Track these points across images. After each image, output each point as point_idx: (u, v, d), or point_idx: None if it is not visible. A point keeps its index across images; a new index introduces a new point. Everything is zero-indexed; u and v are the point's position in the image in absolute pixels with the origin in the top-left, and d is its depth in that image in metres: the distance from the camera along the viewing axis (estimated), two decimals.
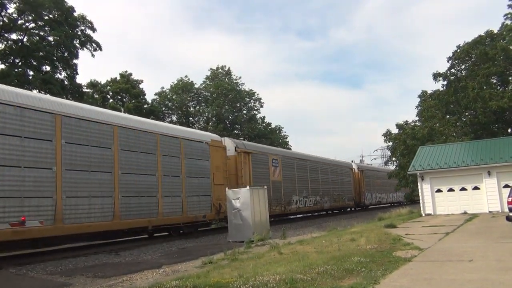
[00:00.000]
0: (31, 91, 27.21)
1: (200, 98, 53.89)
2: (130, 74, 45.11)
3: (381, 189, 44.93)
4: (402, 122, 35.33)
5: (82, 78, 58.20)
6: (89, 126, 14.49)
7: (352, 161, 49.95)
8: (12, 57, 30.13)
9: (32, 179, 12.36)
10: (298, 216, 31.09)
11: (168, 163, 17.74)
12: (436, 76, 31.00)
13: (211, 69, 54.80)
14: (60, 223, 12.87)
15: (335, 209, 36.63)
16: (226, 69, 54.79)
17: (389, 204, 45.99)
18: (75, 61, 32.70)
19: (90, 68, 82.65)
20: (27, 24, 30.88)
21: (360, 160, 78.01)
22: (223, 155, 21.71)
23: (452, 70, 31.21)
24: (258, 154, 25.28)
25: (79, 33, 32.90)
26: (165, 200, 17.24)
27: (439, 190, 22.81)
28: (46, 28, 31.29)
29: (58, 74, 32.12)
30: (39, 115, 12.83)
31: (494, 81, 31.06)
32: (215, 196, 20.17)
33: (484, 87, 28.87)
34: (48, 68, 31.51)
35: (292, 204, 28.10)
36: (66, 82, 32.32)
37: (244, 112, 54.86)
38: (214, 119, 51.68)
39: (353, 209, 40.04)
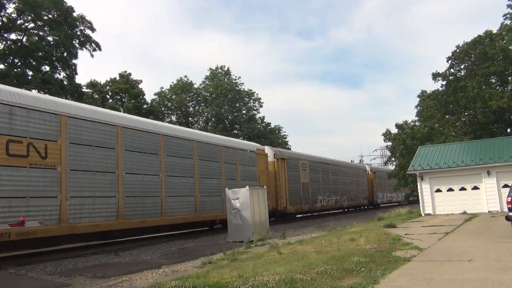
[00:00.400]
0: (30, 91, 27.23)
1: (199, 98, 53.91)
2: (130, 74, 45.15)
3: (391, 189, 46.30)
4: (402, 122, 35.36)
5: (82, 78, 58.20)
6: (148, 137, 17.18)
7: (365, 164, 51.65)
8: (11, 57, 30.14)
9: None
10: (322, 212, 34.95)
11: (229, 169, 22.35)
12: (435, 76, 31.04)
13: (210, 69, 54.87)
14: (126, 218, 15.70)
15: (352, 207, 39.52)
16: (225, 69, 54.86)
17: (398, 203, 47.12)
18: (74, 61, 32.75)
19: (90, 68, 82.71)
20: (26, 24, 30.89)
21: (360, 160, 78.10)
22: (265, 161, 26.09)
23: (452, 70, 31.27)
24: (291, 159, 29.18)
25: (79, 33, 32.91)
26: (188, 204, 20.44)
27: (438, 190, 22.82)
28: (46, 28, 31.30)
29: (57, 74, 32.14)
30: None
31: (494, 81, 31.10)
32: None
33: (484, 87, 28.90)
34: (47, 68, 31.52)
35: (318, 202, 32.07)
36: (65, 82, 32.33)
37: (244, 112, 54.90)
38: (213, 119, 51.70)
39: (367, 207, 43.32)
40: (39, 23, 31.02)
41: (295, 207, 28.51)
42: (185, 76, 53.33)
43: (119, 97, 43.99)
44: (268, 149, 27.43)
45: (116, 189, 15.09)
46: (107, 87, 43.60)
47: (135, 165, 16.14)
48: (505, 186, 20.16)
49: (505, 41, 30.96)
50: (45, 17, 30.96)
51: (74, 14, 32.26)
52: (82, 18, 32.72)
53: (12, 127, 12.05)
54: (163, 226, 17.71)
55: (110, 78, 44.10)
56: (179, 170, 18.47)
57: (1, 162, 11.64)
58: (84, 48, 33.09)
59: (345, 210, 38.65)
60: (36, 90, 28.95)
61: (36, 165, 12.57)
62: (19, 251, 13.66)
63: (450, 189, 22.61)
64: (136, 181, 16.09)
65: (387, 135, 35.61)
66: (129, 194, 15.62)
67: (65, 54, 32.06)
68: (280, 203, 26.85)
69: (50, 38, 31.40)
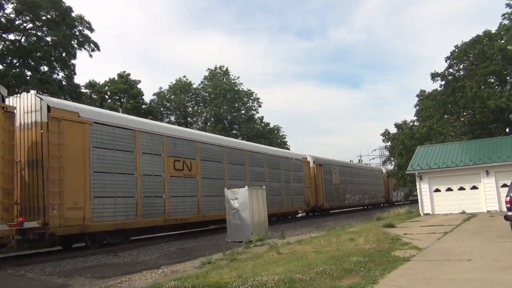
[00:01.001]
0: (28, 91, 27.20)
1: (198, 99, 53.86)
2: (129, 75, 45.05)
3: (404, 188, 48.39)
4: (401, 122, 35.39)
5: (81, 79, 58.16)
6: (216, 149, 22.15)
7: (382, 167, 54.10)
8: (9, 58, 30.08)
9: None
10: (349, 209, 40.39)
11: (286, 174, 28.82)
12: (434, 76, 31.07)
13: (209, 69, 54.82)
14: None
15: (371, 205, 44.78)
16: (224, 69, 54.81)
17: (409, 201, 48.00)
18: (73, 61, 32.65)
19: (89, 69, 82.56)
20: (24, 24, 30.82)
21: (359, 160, 78.17)
22: (308, 167, 32.41)
23: (450, 70, 31.28)
24: (326, 165, 35.23)
25: (77, 33, 32.84)
26: (286, 197, 28.37)
27: (437, 190, 22.85)
28: (44, 29, 31.22)
29: (56, 74, 32.07)
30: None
31: (492, 80, 31.13)
32: (305, 195, 31.17)
33: (482, 87, 28.93)
34: (46, 68, 31.45)
35: (346, 200, 37.91)
36: (64, 83, 32.27)
37: (243, 112, 54.85)
38: (212, 119, 51.67)
39: (383, 204, 48.15)
40: (37, 23, 30.94)
41: (329, 204, 34.80)
42: (184, 76, 53.30)
43: (117, 97, 43.91)
44: (309, 157, 33.19)
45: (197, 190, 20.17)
46: (106, 87, 43.50)
47: (210, 172, 21.16)
48: (504, 185, 20.18)
49: (503, 41, 31.01)
50: (44, 17, 30.89)
51: (73, 14, 32.20)
52: (80, 18, 32.64)
53: (175, 151, 18.74)
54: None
55: (109, 78, 44.03)
56: (275, 177, 27.60)
57: (171, 174, 18.26)
58: (82, 49, 33.02)
59: (366, 207, 44.13)
60: (35, 90, 28.91)
61: (187, 175, 19.31)
62: (19, 251, 13.65)
63: (449, 189, 22.64)
64: (211, 185, 21.08)
65: (386, 135, 35.65)
66: (206, 194, 20.58)
67: (63, 54, 31.99)
68: (318, 201, 32.96)
69: (48, 38, 31.33)
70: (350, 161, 57.51)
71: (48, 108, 13.43)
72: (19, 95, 14.32)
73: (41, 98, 13.64)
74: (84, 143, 14.37)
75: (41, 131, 13.19)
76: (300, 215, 33.10)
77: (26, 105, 13.57)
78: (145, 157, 17.03)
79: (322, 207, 33.45)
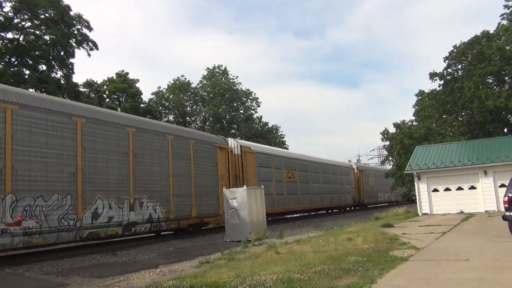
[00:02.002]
0: (27, 90, 27.15)
1: (197, 98, 53.84)
2: (127, 74, 45.03)
3: None
4: (400, 122, 35.45)
5: (79, 78, 58.07)
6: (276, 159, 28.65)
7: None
8: (8, 56, 30.02)
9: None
10: (379, 205, 47.93)
11: (333, 178, 36.63)
12: (432, 75, 31.11)
13: (207, 68, 54.82)
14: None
15: (394, 202, 50.42)
16: (223, 68, 54.82)
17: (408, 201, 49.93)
18: (71, 60, 32.64)
19: (87, 68, 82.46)
20: (23, 23, 30.77)
21: (357, 160, 78.26)
22: (353, 173, 41.59)
23: (449, 70, 31.32)
24: (365, 170, 45.51)
25: (76, 32, 32.80)
26: (333, 195, 36.40)
27: (435, 190, 22.88)
28: (42, 27, 31.18)
29: (54, 73, 32.03)
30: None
31: (490, 80, 31.18)
32: (352, 194, 40.31)
33: (481, 87, 28.97)
34: (44, 67, 31.41)
35: (378, 198, 47.57)
36: (62, 82, 32.23)
37: (241, 111, 54.86)
38: (211, 118, 51.66)
39: (404, 202, 51.29)
40: (36, 22, 30.91)
41: (368, 200, 44.90)
42: (182, 76, 53.30)
43: (116, 97, 43.87)
44: (353, 165, 44.55)
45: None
46: (104, 87, 43.44)
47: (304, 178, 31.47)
48: (502, 185, 20.22)
49: (502, 41, 31.06)
50: (42, 16, 30.86)
51: (71, 13, 32.17)
52: (79, 17, 32.62)
53: (289, 166, 29.52)
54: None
55: (108, 78, 44.00)
56: (323, 181, 34.97)
57: (286, 180, 28.56)
58: (81, 47, 33.00)
59: (391, 203, 50.08)
60: (33, 89, 28.86)
61: (292, 181, 29.35)
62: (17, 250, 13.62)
63: (447, 189, 22.67)
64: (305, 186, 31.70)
65: (385, 134, 35.70)
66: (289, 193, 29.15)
67: (62, 53, 31.96)
68: (361, 198, 42.58)
69: (47, 37, 31.30)
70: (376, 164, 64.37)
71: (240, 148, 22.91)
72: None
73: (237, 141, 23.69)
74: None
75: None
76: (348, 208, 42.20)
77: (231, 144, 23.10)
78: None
79: (362, 202, 43.29)
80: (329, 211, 38.27)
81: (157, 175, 16.80)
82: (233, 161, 22.80)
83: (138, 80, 45.52)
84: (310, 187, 32.21)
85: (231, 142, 23.70)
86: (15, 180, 11.63)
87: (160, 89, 52.18)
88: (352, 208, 43.05)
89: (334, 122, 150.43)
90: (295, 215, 32.48)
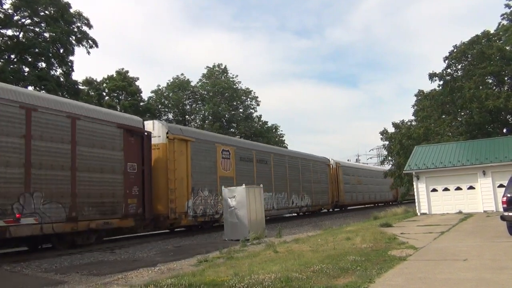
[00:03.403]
0: (26, 87, 27.10)
1: (196, 96, 53.79)
2: (127, 72, 44.94)
3: None
4: (399, 122, 35.46)
5: (78, 76, 57.98)
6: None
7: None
8: (7, 53, 29.96)
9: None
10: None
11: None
12: (432, 76, 31.09)
13: (207, 67, 54.74)
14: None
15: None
16: (223, 67, 54.74)
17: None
18: (71, 57, 32.56)
19: (87, 66, 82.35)
20: (23, 20, 30.70)
21: (356, 160, 78.25)
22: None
23: (448, 70, 31.31)
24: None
25: (75, 29, 32.72)
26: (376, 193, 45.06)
27: (434, 190, 22.89)
28: (42, 25, 31.12)
29: (53, 71, 31.97)
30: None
31: (490, 81, 31.18)
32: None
33: (480, 87, 28.97)
34: (43, 64, 31.35)
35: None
36: (61, 79, 32.17)
37: (241, 110, 54.82)
38: (210, 117, 51.62)
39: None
40: (35, 19, 30.84)
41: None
42: (182, 74, 53.22)
43: (115, 95, 43.79)
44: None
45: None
46: (104, 85, 43.36)
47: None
48: (501, 186, 20.24)
49: (502, 41, 31.05)
50: (42, 13, 30.79)
51: (71, 11, 32.09)
52: (79, 15, 32.52)
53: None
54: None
55: (107, 75, 43.91)
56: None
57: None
58: (80, 45, 32.92)
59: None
60: (32, 87, 28.81)
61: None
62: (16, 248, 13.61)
63: (446, 189, 22.69)
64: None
65: (384, 133, 35.71)
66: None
67: (61, 50, 31.89)
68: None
69: (46, 35, 31.22)
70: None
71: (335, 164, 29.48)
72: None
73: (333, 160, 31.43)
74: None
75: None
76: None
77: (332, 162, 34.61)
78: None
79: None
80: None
81: (308, 182, 31.77)
82: (333, 173, 36.81)
83: (137, 78, 45.46)
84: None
85: (332, 161, 37.54)
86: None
87: (160, 88, 52.13)
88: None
89: (333, 121, 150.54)
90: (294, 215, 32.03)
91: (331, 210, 37.42)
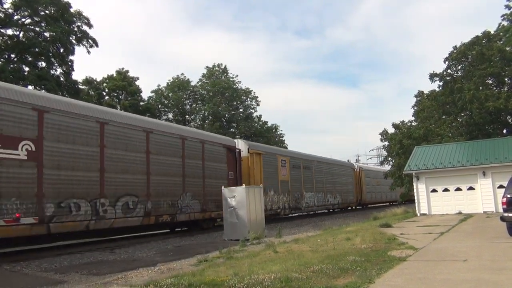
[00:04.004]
0: (26, 87, 27.10)
1: (196, 96, 53.79)
2: (127, 71, 44.94)
3: None
4: (399, 122, 35.45)
5: (78, 75, 57.93)
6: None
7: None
8: (7, 53, 29.96)
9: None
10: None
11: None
12: (432, 76, 31.08)
13: (207, 67, 54.73)
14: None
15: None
16: (223, 67, 54.74)
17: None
18: (71, 57, 32.57)
19: (87, 66, 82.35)
20: (23, 19, 30.70)
21: (356, 160, 78.27)
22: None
23: (449, 71, 31.29)
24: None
25: (75, 29, 32.72)
26: (392, 193, 46.13)
27: (434, 190, 22.89)
28: (42, 24, 31.12)
29: (53, 70, 31.97)
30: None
31: (490, 82, 31.17)
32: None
33: (480, 88, 28.96)
34: (43, 64, 31.35)
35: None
36: (61, 79, 32.17)
37: (241, 110, 54.82)
38: (210, 117, 51.61)
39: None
40: (35, 18, 30.85)
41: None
42: (182, 74, 53.23)
43: (115, 94, 43.79)
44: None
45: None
46: (104, 84, 43.36)
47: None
48: (501, 186, 20.24)
49: (502, 42, 31.04)
50: (42, 13, 30.79)
51: (71, 10, 32.10)
52: (79, 14, 32.53)
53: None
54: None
55: (107, 75, 43.91)
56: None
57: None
58: (81, 44, 32.92)
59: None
60: (32, 86, 28.82)
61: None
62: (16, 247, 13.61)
63: (446, 189, 22.69)
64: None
65: (384, 134, 35.70)
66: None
67: (61, 50, 31.89)
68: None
69: (46, 34, 31.23)
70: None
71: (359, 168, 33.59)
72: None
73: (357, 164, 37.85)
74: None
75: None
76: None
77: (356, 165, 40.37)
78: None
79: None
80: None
81: (339, 184, 37.03)
82: (356, 176, 41.49)
83: (137, 78, 45.46)
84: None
85: (356, 165, 43.82)
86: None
87: (160, 87, 52.14)
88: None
89: (333, 121, 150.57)
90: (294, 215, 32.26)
91: (354, 207, 42.78)
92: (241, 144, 24.52)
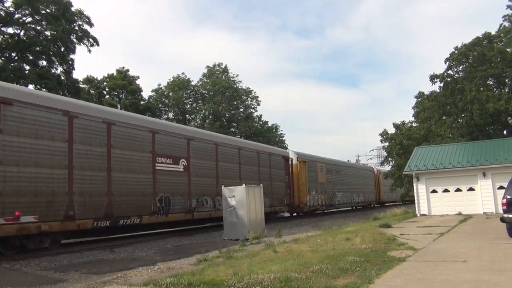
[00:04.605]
0: (27, 85, 27.09)
1: (197, 96, 53.79)
2: (127, 70, 44.91)
3: None
4: (399, 123, 35.44)
5: (79, 74, 57.95)
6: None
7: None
8: (8, 51, 29.95)
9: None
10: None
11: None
12: (433, 77, 31.07)
13: (207, 66, 54.73)
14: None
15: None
16: (223, 66, 54.74)
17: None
18: (72, 56, 32.55)
19: (87, 64, 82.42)
20: (24, 18, 30.69)
21: (356, 160, 78.26)
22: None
23: (449, 72, 31.29)
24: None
25: (76, 28, 32.70)
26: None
27: (434, 191, 22.88)
28: (43, 23, 31.10)
29: (54, 69, 31.95)
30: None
31: (491, 83, 31.17)
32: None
33: (481, 89, 28.95)
34: (44, 63, 31.34)
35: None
36: (62, 78, 32.16)
37: (241, 110, 54.81)
38: (211, 116, 51.61)
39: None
40: (36, 17, 30.82)
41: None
42: (183, 73, 53.23)
43: (116, 93, 43.78)
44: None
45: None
46: (104, 83, 43.34)
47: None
48: (501, 187, 20.23)
49: (503, 43, 31.03)
50: (43, 12, 30.78)
51: (72, 9, 32.08)
52: (80, 13, 32.51)
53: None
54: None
55: (108, 74, 43.89)
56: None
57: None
58: (81, 43, 32.90)
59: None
60: (33, 85, 28.82)
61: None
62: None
63: (446, 190, 22.68)
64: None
65: (384, 135, 35.69)
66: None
67: (62, 49, 31.87)
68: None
69: (47, 33, 31.21)
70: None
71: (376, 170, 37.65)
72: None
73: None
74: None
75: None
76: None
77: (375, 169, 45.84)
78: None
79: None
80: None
81: (362, 185, 42.10)
82: (375, 178, 46.45)
83: (138, 77, 45.44)
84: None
85: (375, 169, 48.20)
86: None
87: (160, 87, 52.13)
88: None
89: (332, 121, 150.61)
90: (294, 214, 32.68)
91: (374, 206, 47.15)
92: (292, 154, 30.84)
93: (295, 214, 32.18)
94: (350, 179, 39.44)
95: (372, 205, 46.63)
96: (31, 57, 30.59)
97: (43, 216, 12.53)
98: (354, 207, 42.13)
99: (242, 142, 26.67)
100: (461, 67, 31.42)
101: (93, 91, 41.47)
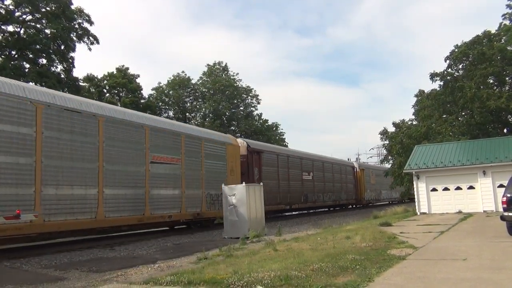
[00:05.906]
0: (27, 83, 27.06)
1: (197, 94, 53.77)
2: (127, 69, 44.89)
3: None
4: (399, 121, 35.42)
5: (79, 72, 57.90)
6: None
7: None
8: (8, 49, 29.94)
9: None
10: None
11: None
12: (433, 76, 31.05)
13: (208, 65, 54.70)
14: None
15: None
16: (223, 65, 54.71)
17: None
18: (72, 54, 32.54)
19: (87, 63, 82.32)
20: (24, 16, 30.67)
21: (356, 159, 78.37)
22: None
23: (450, 70, 31.26)
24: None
25: (76, 26, 32.68)
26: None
27: (434, 189, 22.89)
28: (43, 21, 31.09)
29: (54, 67, 31.95)
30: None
31: (491, 81, 31.15)
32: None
33: (481, 87, 28.94)
34: (44, 61, 31.33)
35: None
36: (62, 76, 32.15)
37: (241, 108, 54.80)
38: (211, 115, 51.61)
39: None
40: (36, 15, 30.81)
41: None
42: (183, 72, 53.24)
43: (116, 92, 43.76)
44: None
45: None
46: (105, 81, 43.32)
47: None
48: (501, 186, 20.23)
49: (503, 42, 31.00)
50: (43, 10, 30.76)
51: (72, 7, 32.06)
52: (80, 11, 32.50)
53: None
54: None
55: (108, 72, 43.86)
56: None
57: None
58: (81, 41, 32.89)
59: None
60: (33, 83, 28.79)
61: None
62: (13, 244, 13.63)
63: (446, 188, 22.69)
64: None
65: (384, 133, 35.67)
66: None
67: (62, 47, 31.86)
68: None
69: (47, 31, 31.20)
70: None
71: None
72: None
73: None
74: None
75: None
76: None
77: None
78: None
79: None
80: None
81: (386, 184, 44.46)
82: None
83: (138, 76, 45.42)
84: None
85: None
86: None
87: (160, 85, 52.12)
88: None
89: (333, 120, 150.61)
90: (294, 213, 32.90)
91: (398, 202, 48.12)
92: (356, 164, 42.87)
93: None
94: (381, 180, 44.57)
95: (396, 202, 47.31)
96: (31, 55, 30.59)
97: None
98: (390, 202, 48.44)
99: (326, 158, 36.93)
100: (461, 66, 31.41)
101: (93, 90, 41.45)
